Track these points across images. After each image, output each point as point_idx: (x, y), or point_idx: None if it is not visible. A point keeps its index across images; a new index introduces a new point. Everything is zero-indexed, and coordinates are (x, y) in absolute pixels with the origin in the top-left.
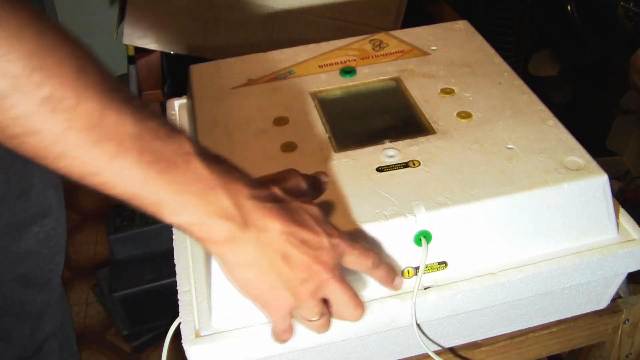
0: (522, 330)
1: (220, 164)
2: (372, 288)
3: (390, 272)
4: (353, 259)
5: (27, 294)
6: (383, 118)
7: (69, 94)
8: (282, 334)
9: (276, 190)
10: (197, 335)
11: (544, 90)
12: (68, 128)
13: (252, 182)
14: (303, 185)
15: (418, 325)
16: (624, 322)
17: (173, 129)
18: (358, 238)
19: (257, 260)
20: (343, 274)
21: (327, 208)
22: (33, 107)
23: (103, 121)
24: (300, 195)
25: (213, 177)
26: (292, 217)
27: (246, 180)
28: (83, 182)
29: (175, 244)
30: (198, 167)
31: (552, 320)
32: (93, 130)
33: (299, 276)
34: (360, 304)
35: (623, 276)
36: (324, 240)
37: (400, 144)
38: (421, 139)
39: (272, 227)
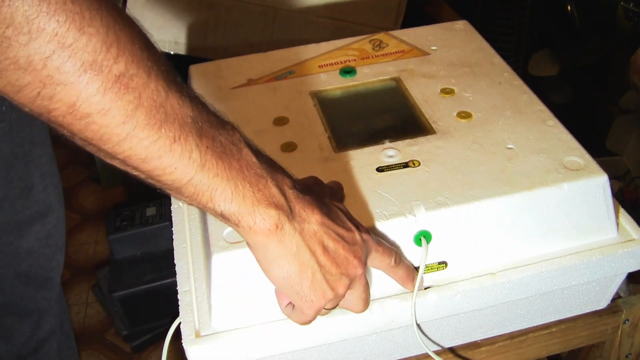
0: (522, 330)
1: (263, 155)
2: (372, 288)
3: (410, 272)
4: (378, 256)
5: (28, 292)
6: (383, 118)
7: (140, 71)
8: (308, 324)
9: (311, 185)
10: (197, 335)
11: (544, 90)
12: (138, 106)
13: (291, 175)
14: (327, 189)
15: (418, 325)
16: (624, 322)
17: (221, 117)
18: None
19: (300, 251)
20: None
21: None
22: (108, 84)
23: (168, 101)
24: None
25: (262, 165)
26: (327, 211)
27: (286, 172)
28: (139, 168)
29: (175, 244)
30: (249, 155)
31: (552, 320)
32: (160, 110)
33: (338, 270)
34: (369, 299)
35: (623, 276)
36: (357, 236)
37: (400, 144)
38: (421, 139)
39: (313, 219)
